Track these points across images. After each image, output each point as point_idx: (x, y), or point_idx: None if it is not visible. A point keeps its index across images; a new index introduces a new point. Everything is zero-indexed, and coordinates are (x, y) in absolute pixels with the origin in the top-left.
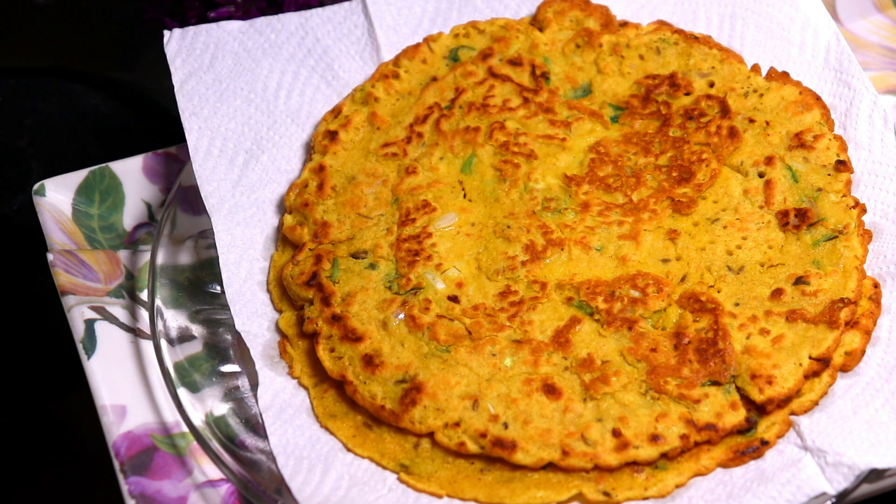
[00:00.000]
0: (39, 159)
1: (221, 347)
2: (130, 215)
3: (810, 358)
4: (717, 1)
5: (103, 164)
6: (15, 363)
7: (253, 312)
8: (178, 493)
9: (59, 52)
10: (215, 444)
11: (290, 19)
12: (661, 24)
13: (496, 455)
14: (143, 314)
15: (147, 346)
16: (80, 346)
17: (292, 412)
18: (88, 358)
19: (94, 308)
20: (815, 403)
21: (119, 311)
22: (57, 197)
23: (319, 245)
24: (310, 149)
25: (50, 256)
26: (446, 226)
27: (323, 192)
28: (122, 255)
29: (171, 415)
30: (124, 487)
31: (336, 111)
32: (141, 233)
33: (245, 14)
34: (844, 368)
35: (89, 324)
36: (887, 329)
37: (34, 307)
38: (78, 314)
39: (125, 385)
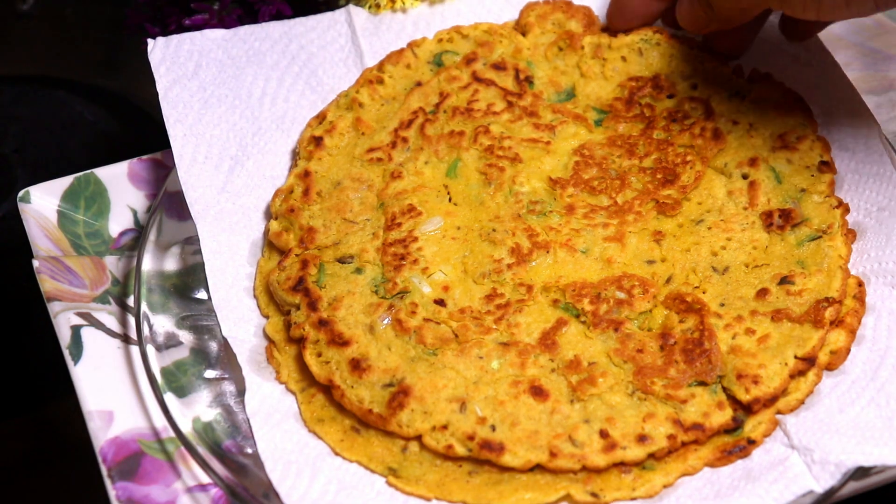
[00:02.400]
0: (24, 166)
1: (208, 353)
2: (116, 221)
3: (796, 357)
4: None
5: (88, 171)
6: (2, 370)
7: (239, 318)
8: (167, 497)
9: (44, 60)
10: (203, 450)
11: (273, 28)
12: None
13: (484, 457)
14: (130, 320)
15: (134, 352)
16: (66, 353)
17: (280, 417)
18: (75, 364)
19: (80, 314)
20: (801, 402)
21: (105, 317)
22: (42, 204)
23: (306, 250)
24: (295, 154)
25: (35, 263)
26: (432, 230)
27: (308, 197)
28: (108, 261)
29: (158, 420)
30: (112, 493)
31: (321, 117)
32: (127, 239)
33: (220, 22)
34: (830, 367)
35: (75, 330)
36: (872, 327)
37: (20, 314)
38: (64, 320)
39: (112, 390)
